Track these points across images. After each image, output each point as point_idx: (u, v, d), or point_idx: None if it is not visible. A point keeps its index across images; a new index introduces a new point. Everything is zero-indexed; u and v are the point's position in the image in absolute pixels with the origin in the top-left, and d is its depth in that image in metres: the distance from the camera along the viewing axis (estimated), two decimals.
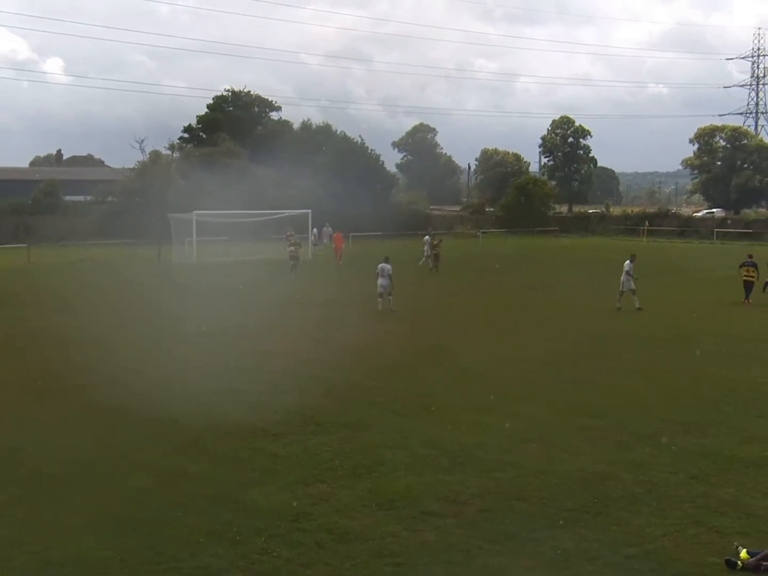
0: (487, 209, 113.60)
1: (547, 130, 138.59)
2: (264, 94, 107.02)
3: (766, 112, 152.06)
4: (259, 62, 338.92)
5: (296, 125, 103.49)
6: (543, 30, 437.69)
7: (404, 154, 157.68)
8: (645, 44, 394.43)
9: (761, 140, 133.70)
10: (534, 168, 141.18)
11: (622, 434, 17.26)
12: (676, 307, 35.17)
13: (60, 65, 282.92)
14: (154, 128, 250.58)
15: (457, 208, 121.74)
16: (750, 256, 39.63)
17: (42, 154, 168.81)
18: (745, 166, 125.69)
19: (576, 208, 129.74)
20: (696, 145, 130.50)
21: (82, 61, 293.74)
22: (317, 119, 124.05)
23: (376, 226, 77.48)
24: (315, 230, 67.02)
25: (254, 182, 79.38)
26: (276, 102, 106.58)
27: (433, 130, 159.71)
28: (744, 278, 38.52)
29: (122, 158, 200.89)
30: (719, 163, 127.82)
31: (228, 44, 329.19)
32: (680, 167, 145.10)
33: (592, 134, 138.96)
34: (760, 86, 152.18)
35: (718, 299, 38.39)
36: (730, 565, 11.14)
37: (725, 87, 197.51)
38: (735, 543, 11.62)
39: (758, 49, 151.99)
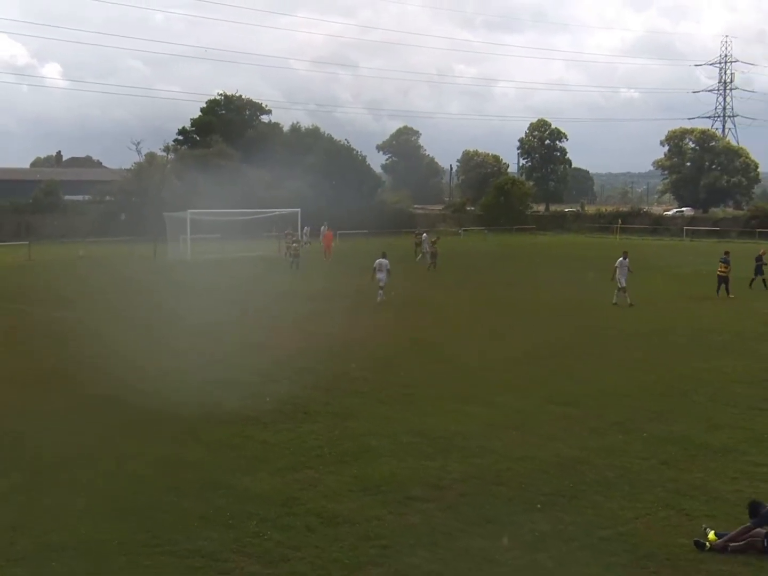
0: (468, 208, 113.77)
1: (525, 132, 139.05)
2: (255, 98, 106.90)
3: (733, 116, 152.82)
4: (250, 67, 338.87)
5: (286, 128, 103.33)
6: (520, 37, 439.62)
7: (389, 155, 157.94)
8: (617, 51, 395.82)
9: (728, 143, 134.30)
10: (512, 169, 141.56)
11: (596, 422, 17.30)
12: (649, 301, 35.22)
13: (58, 70, 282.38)
14: (149, 131, 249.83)
15: (440, 207, 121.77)
16: (726, 253, 39.83)
17: (42, 155, 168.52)
18: (713, 167, 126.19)
19: (552, 207, 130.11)
20: (666, 147, 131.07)
21: (80, 67, 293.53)
22: (305, 122, 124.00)
23: (363, 225, 77.46)
24: (307, 228, 66.86)
25: (246, 182, 79.32)
26: (266, 105, 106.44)
27: (417, 133, 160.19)
28: (719, 273, 38.70)
29: (119, 159, 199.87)
30: (688, 164, 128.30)
31: (220, 50, 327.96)
32: (651, 168, 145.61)
33: (567, 137, 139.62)
34: (728, 91, 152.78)
35: (689, 294, 38.50)
36: (699, 546, 11.18)
37: (694, 92, 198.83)
38: (703, 525, 11.67)
39: (726, 55, 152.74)
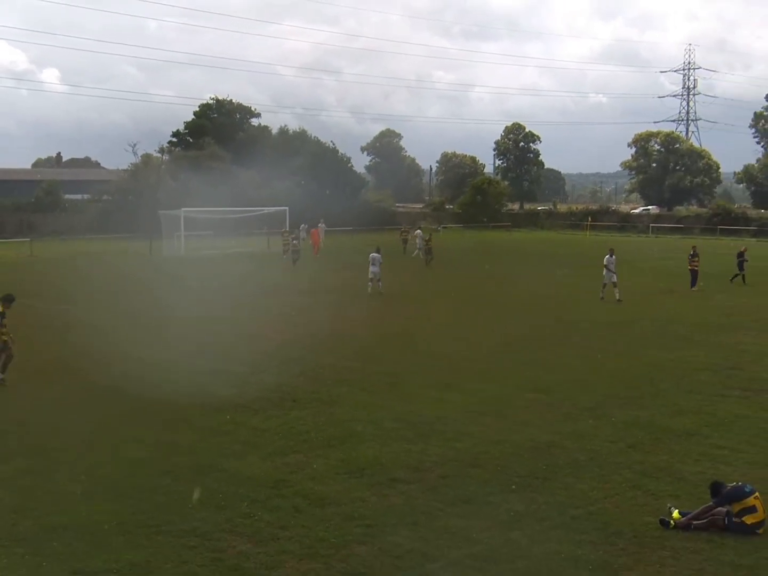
0: (447, 206, 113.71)
1: (501, 135, 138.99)
2: (244, 103, 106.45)
3: (695, 120, 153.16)
4: (239, 73, 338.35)
5: (274, 131, 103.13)
6: (495, 45, 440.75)
7: (372, 156, 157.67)
8: (587, 58, 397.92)
9: (691, 145, 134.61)
10: (489, 169, 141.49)
11: (568, 408, 17.37)
12: (622, 295, 35.32)
13: (57, 75, 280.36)
14: (145, 133, 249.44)
15: (420, 205, 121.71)
16: (694, 248, 40.05)
17: (43, 156, 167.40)
18: (677, 168, 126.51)
19: (526, 206, 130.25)
20: (633, 149, 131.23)
21: (77, 72, 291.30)
22: (292, 125, 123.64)
23: (347, 222, 77.35)
24: (304, 226, 66.55)
25: (236, 182, 79.19)
26: (256, 109, 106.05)
27: (399, 135, 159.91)
28: (690, 267, 38.93)
29: (117, 160, 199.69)
30: (654, 165, 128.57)
31: (211, 57, 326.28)
32: (619, 169, 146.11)
33: (541, 139, 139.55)
34: (691, 96, 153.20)
35: (655, 287, 38.65)
36: (664, 524, 11.25)
37: (659, 97, 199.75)
38: (668, 504, 11.73)
39: (689, 63, 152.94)
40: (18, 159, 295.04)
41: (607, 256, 35.02)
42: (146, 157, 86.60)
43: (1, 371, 19.06)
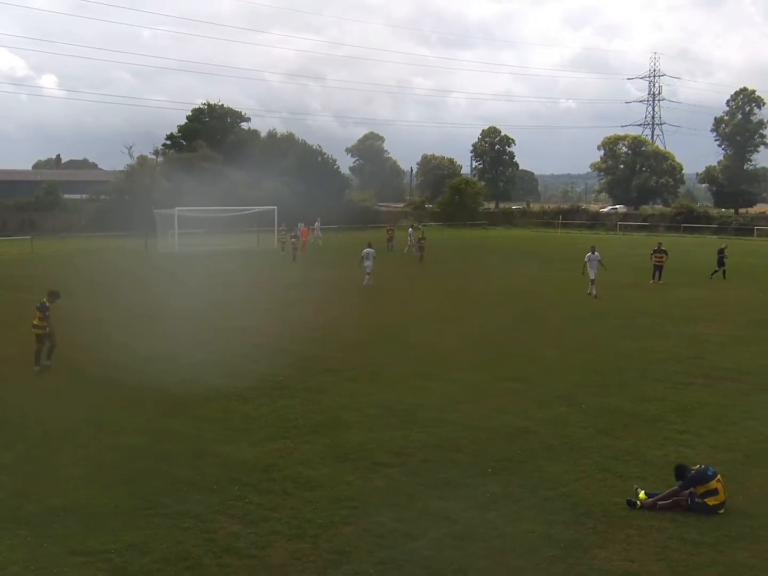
0: (426, 206, 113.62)
1: (478, 138, 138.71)
2: (234, 107, 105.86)
3: (660, 124, 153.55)
4: (229, 79, 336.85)
5: (263, 134, 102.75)
6: (472, 53, 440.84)
7: (356, 158, 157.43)
8: (557, 66, 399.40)
9: (657, 148, 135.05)
10: (466, 170, 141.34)
11: (541, 396, 17.42)
12: (588, 288, 35.43)
13: (54, 81, 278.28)
14: (140, 136, 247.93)
15: (401, 204, 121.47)
16: (659, 244, 40.28)
17: (43, 158, 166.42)
18: (644, 169, 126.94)
19: (502, 205, 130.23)
20: (602, 152, 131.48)
21: (75, 78, 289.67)
22: (280, 129, 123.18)
23: (333, 221, 77.12)
24: (301, 225, 66.29)
25: (227, 183, 78.88)
26: (245, 114, 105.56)
27: (381, 138, 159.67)
28: (655, 263, 39.14)
29: (113, 162, 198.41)
30: (622, 166, 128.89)
31: (201, 64, 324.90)
32: (589, 170, 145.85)
33: (515, 142, 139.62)
34: (656, 102, 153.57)
35: (623, 281, 38.72)
36: (631, 504, 11.31)
37: (626, 102, 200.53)
38: (635, 486, 11.80)
39: (654, 70, 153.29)
40: (19, 161, 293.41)
41: (588, 254, 34.52)
42: (141, 159, 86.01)
43: (47, 358, 19.63)
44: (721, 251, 41.81)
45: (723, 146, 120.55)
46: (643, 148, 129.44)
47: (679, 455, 13.24)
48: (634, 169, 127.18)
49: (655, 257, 39.37)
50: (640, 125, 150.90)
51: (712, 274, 41.19)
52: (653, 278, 38.71)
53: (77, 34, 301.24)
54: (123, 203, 76.59)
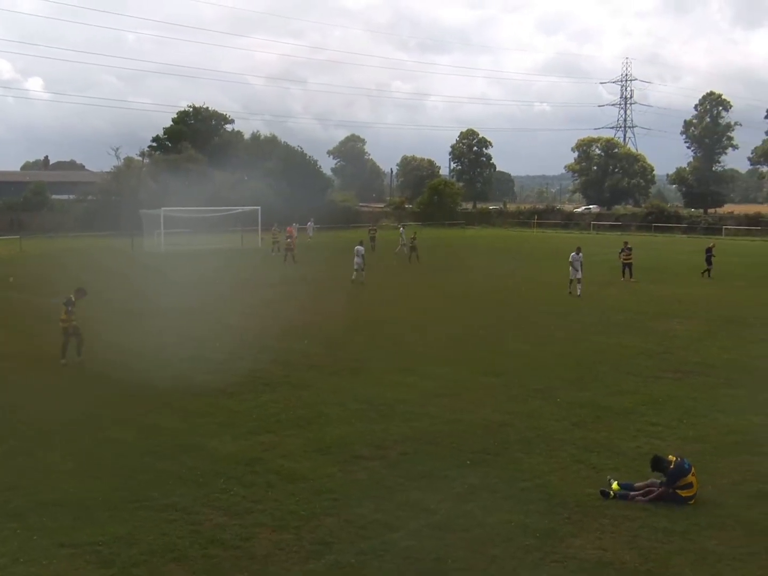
0: (406, 206, 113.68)
1: (456, 140, 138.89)
2: (219, 110, 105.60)
3: (632, 127, 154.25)
4: (212, 82, 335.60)
5: (247, 136, 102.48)
6: (448, 57, 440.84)
7: (338, 160, 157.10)
8: (531, 70, 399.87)
9: (629, 150, 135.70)
10: (444, 171, 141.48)
11: (518, 390, 17.47)
12: (563, 286, 35.53)
13: (41, 84, 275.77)
14: (126, 138, 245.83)
15: (382, 205, 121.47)
16: (626, 243, 40.47)
17: (31, 159, 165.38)
18: (616, 170, 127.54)
19: (479, 205, 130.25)
20: (576, 153, 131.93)
21: (60, 81, 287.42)
22: (263, 131, 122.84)
23: (316, 220, 77.09)
24: (295, 225, 65.79)
25: (212, 184, 78.67)
26: (229, 116, 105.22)
27: (362, 140, 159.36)
28: (624, 261, 39.31)
29: (100, 163, 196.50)
30: (595, 168, 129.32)
31: (185, 67, 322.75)
32: (564, 171, 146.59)
33: (492, 144, 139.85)
34: (628, 105, 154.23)
35: (598, 279, 38.87)
36: (604, 495, 11.36)
37: (599, 106, 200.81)
38: (608, 477, 11.85)
39: (626, 75, 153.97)
40: (7, 162, 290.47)
41: (573, 254, 33.97)
42: (128, 160, 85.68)
43: (77, 354, 19.84)
44: (708, 250, 41.78)
45: (692, 148, 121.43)
46: (615, 150, 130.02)
47: (651, 447, 13.30)
48: (607, 170, 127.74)
49: (623, 256, 39.61)
50: (612, 128, 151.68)
51: (702, 273, 41.14)
52: (623, 276, 38.93)
53: (62, 38, 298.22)
54: (110, 204, 76.28)
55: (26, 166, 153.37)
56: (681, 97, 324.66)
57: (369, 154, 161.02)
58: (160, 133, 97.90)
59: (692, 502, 11.20)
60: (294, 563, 9.41)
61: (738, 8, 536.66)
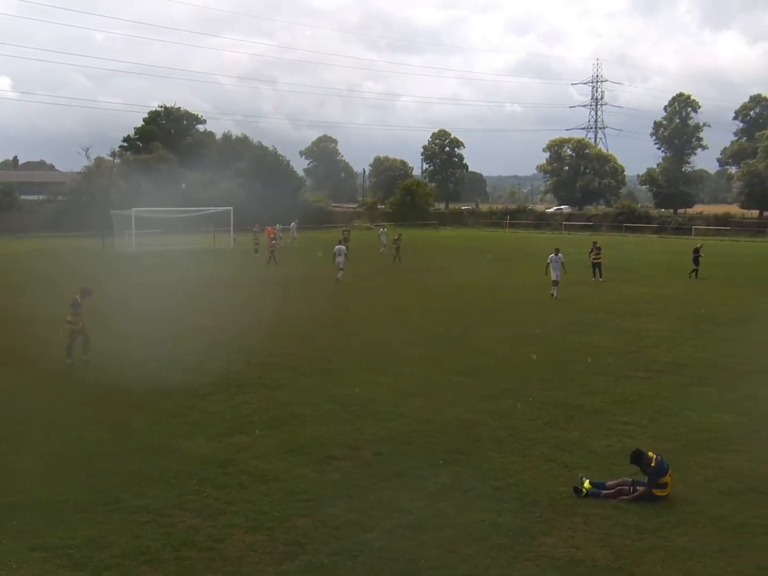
0: (379, 206, 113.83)
1: (428, 140, 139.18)
2: (189, 110, 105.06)
3: (603, 128, 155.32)
4: (182, 82, 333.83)
5: (218, 136, 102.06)
6: (419, 58, 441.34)
7: (310, 160, 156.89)
8: (502, 71, 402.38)
9: (600, 150, 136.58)
10: (417, 172, 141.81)
11: (490, 389, 17.52)
12: (535, 287, 35.70)
13: (8, 83, 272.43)
14: (96, 138, 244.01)
15: (355, 205, 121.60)
16: (595, 243, 40.76)
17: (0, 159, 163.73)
18: (587, 171, 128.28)
19: (452, 205, 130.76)
20: (548, 154, 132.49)
21: (29, 81, 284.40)
22: (234, 131, 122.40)
23: (288, 221, 76.96)
24: (280, 226, 65.24)
25: (184, 184, 78.33)
26: (202, 116, 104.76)
27: (334, 141, 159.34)
28: (593, 260, 39.57)
29: (71, 163, 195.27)
30: (566, 168, 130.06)
31: (155, 67, 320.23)
32: (535, 172, 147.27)
33: (464, 145, 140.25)
34: (598, 106, 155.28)
35: (569, 279, 39.03)
36: (577, 492, 11.43)
37: (570, 107, 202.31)
38: (580, 475, 11.91)
39: (597, 76, 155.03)
40: None
41: (551, 255, 33.77)
42: (98, 161, 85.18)
43: (84, 353, 19.78)
44: (696, 250, 42.01)
45: (662, 149, 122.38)
46: (586, 151, 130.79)
47: (623, 446, 13.39)
48: (578, 170, 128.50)
49: (593, 255, 39.90)
50: (583, 129, 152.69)
51: (689, 273, 41.25)
52: (594, 276, 39.18)
53: (30, 37, 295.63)
54: (80, 204, 75.74)
55: None
56: (651, 98, 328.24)
57: (341, 155, 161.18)
58: (131, 133, 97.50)
59: (664, 501, 11.28)
60: (267, 564, 9.38)
61: (706, 10, 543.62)
